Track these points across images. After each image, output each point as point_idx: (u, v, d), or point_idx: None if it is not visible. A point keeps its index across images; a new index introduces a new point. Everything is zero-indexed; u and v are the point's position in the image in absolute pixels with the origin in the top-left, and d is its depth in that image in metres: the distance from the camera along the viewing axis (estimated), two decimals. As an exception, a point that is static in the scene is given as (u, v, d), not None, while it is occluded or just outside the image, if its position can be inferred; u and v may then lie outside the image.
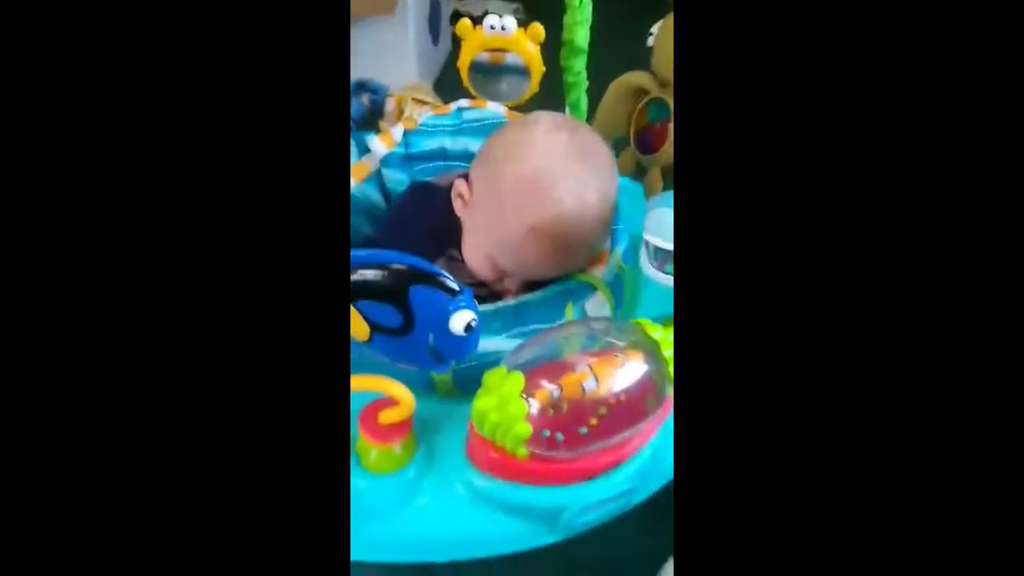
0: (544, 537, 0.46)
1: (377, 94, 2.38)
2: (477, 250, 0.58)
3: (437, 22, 2.34)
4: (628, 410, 0.42)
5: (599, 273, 0.57)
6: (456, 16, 2.77)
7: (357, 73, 2.26)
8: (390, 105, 1.48)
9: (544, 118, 0.59)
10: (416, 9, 2.08)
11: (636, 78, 0.71)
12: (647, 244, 0.47)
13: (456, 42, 2.56)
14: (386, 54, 2.04)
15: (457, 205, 0.60)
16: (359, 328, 0.37)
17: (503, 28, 0.72)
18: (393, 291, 0.35)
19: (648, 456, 0.45)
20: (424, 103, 1.43)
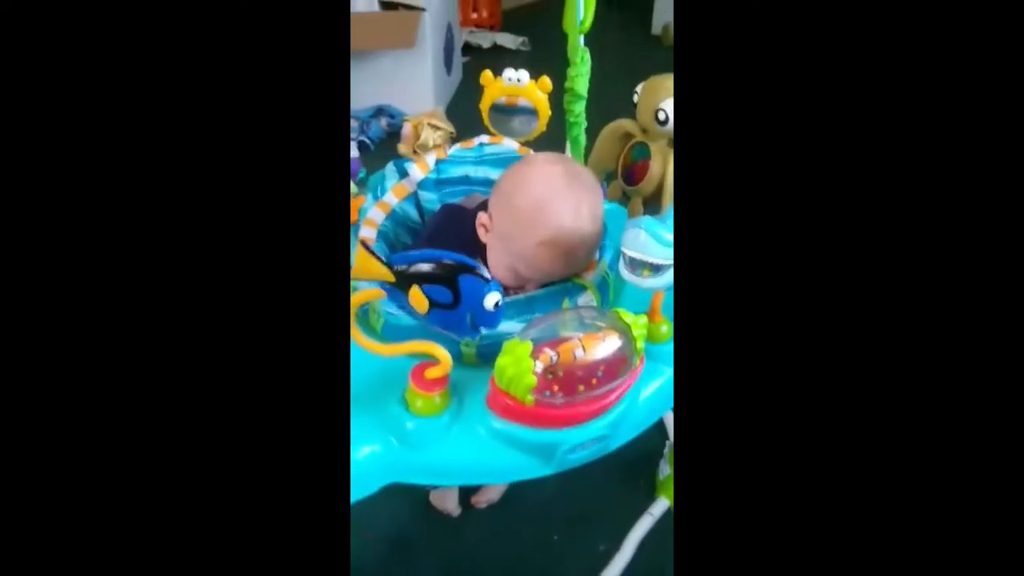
0: (542, 469, 0.60)
1: (394, 119, 2.56)
2: (501, 265, 0.72)
3: (451, 54, 2.52)
4: (606, 372, 0.58)
5: (589, 277, 0.72)
6: (467, 47, 2.95)
7: (382, 99, 2.45)
8: (406, 129, 1.64)
9: (541, 157, 0.74)
10: (434, 42, 2.26)
11: (624, 125, 0.86)
12: (623, 255, 0.62)
13: (466, 73, 2.76)
14: (407, 82, 2.22)
15: (481, 232, 0.74)
16: (420, 304, 0.53)
17: (519, 80, 0.88)
18: (448, 277, 0.51)
19: (620, 411, 0.61)
20: (438, 128, 1.60)
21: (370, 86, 2.20)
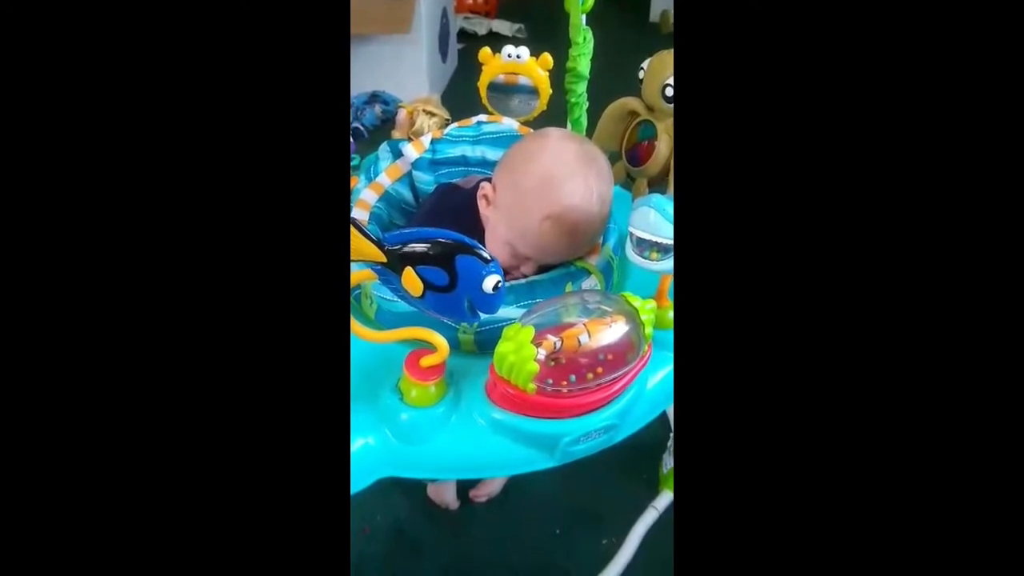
0: (544, 462, 0.57)
1: (389, 105, 2.51)
2: (500, 241, 0.68)
3: (446, 41, 2.48)
4: (613, 359, 0.55)
5: (594, 261, 0.69)
6: (462, 33, 2.91)
7: (376, 85, 2.40)
8: (401, 115, 1.59)
9: (555, 131, 0.71)
10: (429, 28, 2.21)
11: (629, 103, 0.83)
12: (631, 235, 0.59)
13: (462, 60, 2.72)
14: (401, 69, 2.18)
15: (482, 205, 0.71)
16: (414, 286, 0.49)
17: (518, 56, 0.84)
18: (444, 258, 0.48)
19: (628, 400, 0.57)
20: (433, 114, 1.55)
21: (364, 72, 2.16)
